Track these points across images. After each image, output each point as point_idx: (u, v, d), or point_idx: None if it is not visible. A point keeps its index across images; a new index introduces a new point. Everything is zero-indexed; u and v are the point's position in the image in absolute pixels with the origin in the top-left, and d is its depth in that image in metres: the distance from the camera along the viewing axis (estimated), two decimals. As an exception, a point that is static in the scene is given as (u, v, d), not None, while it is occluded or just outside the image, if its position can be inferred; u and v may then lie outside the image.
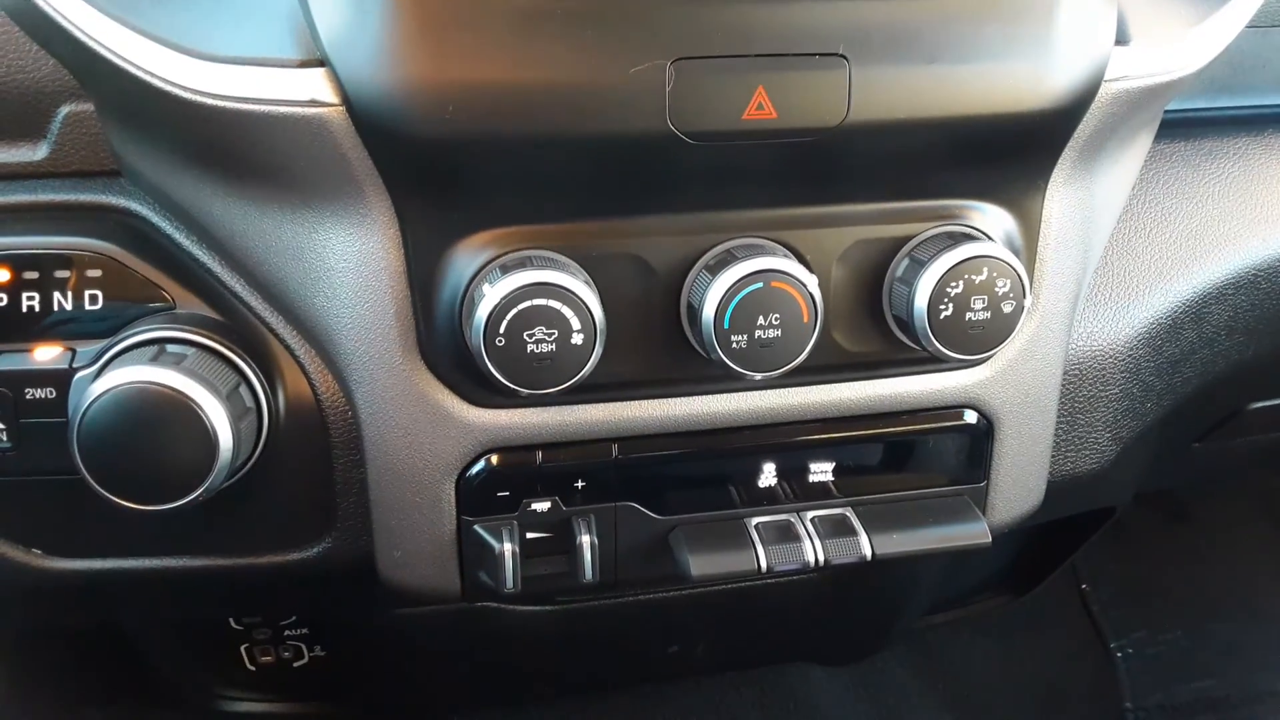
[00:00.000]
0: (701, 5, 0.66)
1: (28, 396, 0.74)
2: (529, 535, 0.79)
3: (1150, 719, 1.69)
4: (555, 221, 0.72)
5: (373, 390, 0.75)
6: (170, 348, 0.73)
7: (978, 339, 0.75)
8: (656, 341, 0.75)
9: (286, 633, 1.33)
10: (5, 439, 0.75)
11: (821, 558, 0.79)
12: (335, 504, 0.81)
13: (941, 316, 0.74)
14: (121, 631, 1.28)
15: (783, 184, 0.74)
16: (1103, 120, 0.77)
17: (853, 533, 0.81)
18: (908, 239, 0.76)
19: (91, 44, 0.65)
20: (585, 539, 0.79)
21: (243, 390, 0.74)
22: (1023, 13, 0.70)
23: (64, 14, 0.65)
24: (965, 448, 0.85)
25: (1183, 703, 1.70)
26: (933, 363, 0.81)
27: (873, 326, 0.78)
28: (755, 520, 0.82)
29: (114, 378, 0.69)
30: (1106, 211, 0.88)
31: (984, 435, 0.85)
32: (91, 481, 0.70)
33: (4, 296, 0.74)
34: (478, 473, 0.77)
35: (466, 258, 0.71)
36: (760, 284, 0.71)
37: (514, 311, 0.67)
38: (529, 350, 0.68)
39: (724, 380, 0.78)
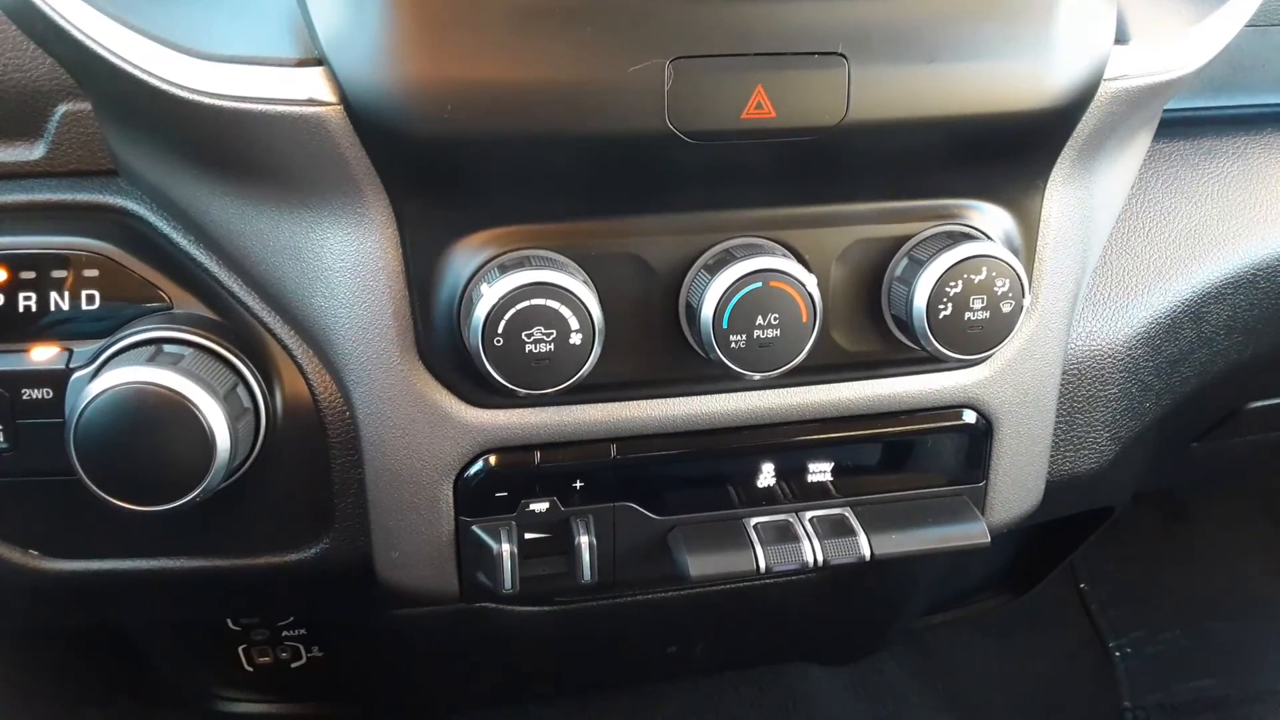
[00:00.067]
0: (700, 4, 0.66)
1: (24, 397, 0.74)
2: (527, 536, 0.79)
3: (1149, 718, 1.69)
4: (554, 221, 0.72)
5: (370, 390, 0.75)
6: (167, 348, 0.72)
7: (977, 339, 0.75)
8: (655, 341, 0.75)
9: (285, 633, 1.33)
10: (2, 439, 0.75)
11: (820, 558, 0.79)
12: (333, 504, 0.81)
13: (940, 316, 0.74)
14: (120, 632, 1.28)
15: (782, 183, 0.74)
16: (1102, 119, 0.77)
17: (851, 533, 0.81)
18: (907, 238, 0.76)
19: (89, 43, 0.65)
20: (584, 539, 0.78)
21: (240, 391, 0.74)
22: (1022, 12, 0.70)
23: (61, 13, 0.65)
24: (964, 447, 0.85)
25: (1182, 702, 1.70)
26: (932, 362, 0.81)
27: (872, 326, 0.78)
28: (754, 520, 0.81)
29: (111, 378, 0.69)
30: (1105, 211, 0.88)
31: (983, 435, 0.85)
32: (88, 482, 0.70)
33: (1, 296, 0.74)
34: (476, 473, 0.77)
35: (465, 257, 0.71)
36: (759, 284, 0.70)
37: (512, 311, 0.67)
38: (527, 350, 0.68)
39: (723, 380, 0.78)
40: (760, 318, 0.71)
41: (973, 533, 0.83)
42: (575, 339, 0.69)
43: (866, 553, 0.80)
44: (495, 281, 0.68)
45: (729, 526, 0.81)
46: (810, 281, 0.72)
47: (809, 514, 0.82)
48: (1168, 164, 0.97)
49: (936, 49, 0.69)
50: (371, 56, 0.64)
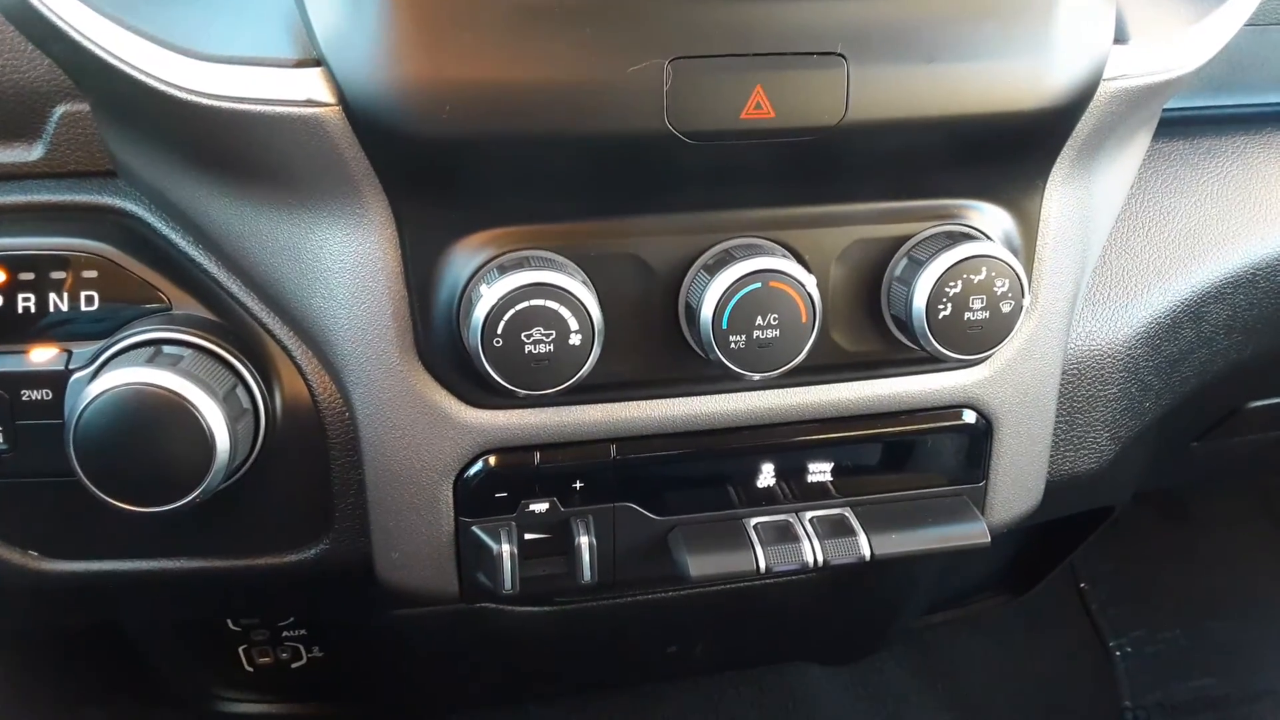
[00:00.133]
0: (699, 4, 0.66)
1: (24, 398, 0.74)
2: (527, 536, 0.79)
3: (1149, 718, 1.69)
4: (553, 221, 0.72)
5: (370, 391, 0.75)
6: (166, 349, 0.72)
7: (976, 339, 0.75)
8: (655, 342, 0.75)
9: (285, 634, 1.33)
10: (1, 440, 0.75)
11: (820, 558, 0.79)
12: (333, 505, 0.81)
13: (940, 316, 0.74)
14: (120, 632, 1.28)
15: (781, 184, 0.74)
16: (1101, 119, 0.77)
17: (851, 533, 0.81)
18: (906, 238, 0.76)
19: (87, 44, 0.65)
20: (583, 540, 0.78)
21: (239, 391, 0.74)
22: (1021, 12, 0.70)
23: (59, 13, 0.65)
24: (964, 447, 0.85)
25: (1182, 701, 1.70)
26: (931, 362, 0.81)
27: (871, 326, 0.78)
28: (754, 520, 0.81)
29: (110, 379, 0.69)
30: (1105, 210, 0.88)
31: (983, 435, 0.85)
32: (88, 483, 0.70)
33: (0, 298, 0.74)
34: (475, 474, 0.77)
35: (464, 258, 0.71)
36: (759, 284, 0.70)
37: (512, 312, 0.67)
38: (527, 351, 0.68)
39: (722, 380, 0.78)
40: (760, 318, 0.71)
41: (973, 533, 0.83)
42: (575, 339, 0.69)
43: (866, 553, 0.80)
44: (494, 282, 0.68)
45: (729, 527, 0.81)
46: (810, 282, 0.72)
47: (809, 514, 0.82)
48: (1167, 163, 0.97)
49: (936, 49, 0.69)
50: (370, 57, 0.64)
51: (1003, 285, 0.74)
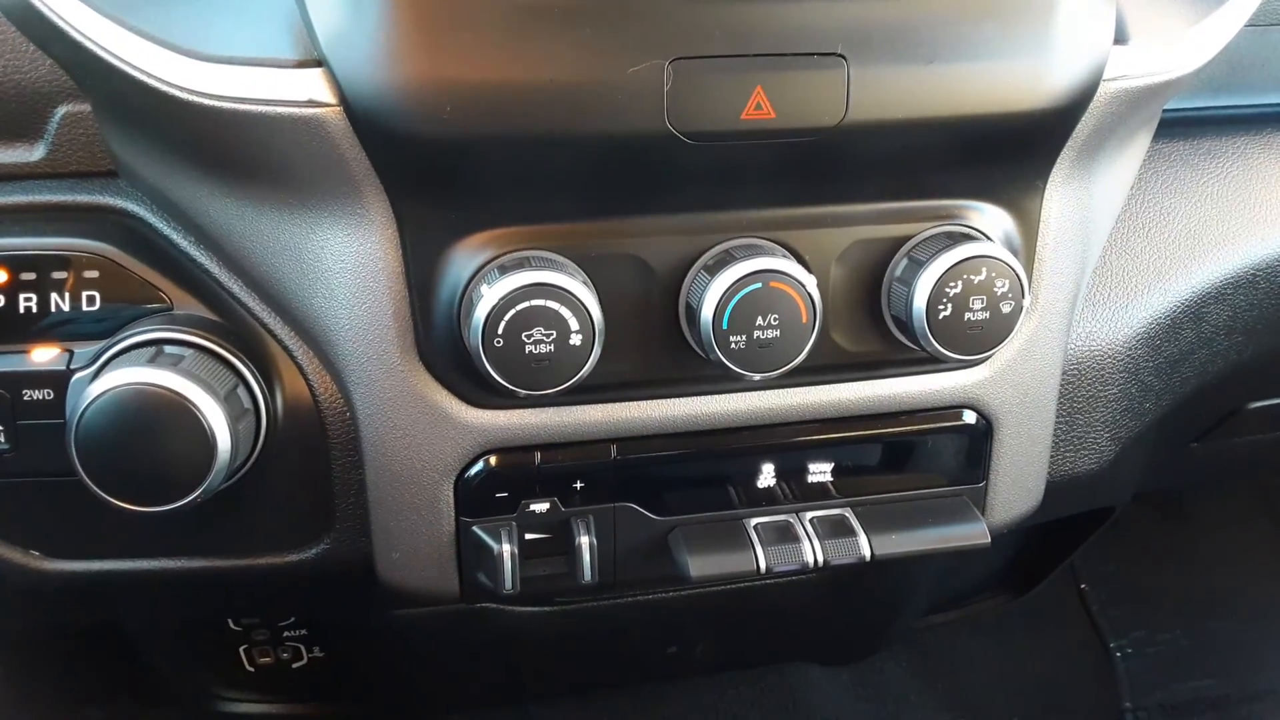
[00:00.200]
0: (700, 5, 0.66)
1: (25, 398, 0.74)
2: (528, 536, 0.79)
3: (1150, 718, 1.69)
4: (553, 222, 0.72)
5: (371, 391, 0.75)
6: (168, 349, 0.72)
7: (976, 339, 0.75)
8: (655, 342, 0.75)
9: (285, 634, 1.33)
10: (3, 440, 0.75)
11: (820, 558, 0.79)
12: (333, 505, 0.81)
13: (940, 316, 0.74)
14: (120, 632, 1.28)
15: (781, 184, 0.74)
16: (1101, 119, 0.77)
17: (852, 533, 0.81)
18: (906, 239, 0.76)
19: (88, 44, 0.65)
20: (584, 540, 0.78)
21: (240, 391, 0.74)
22: (1021, 12, 0.70)
23: (60, 14, 0.65)
24: (964, 448, 0.85)
25: (1182, 702, 1.70)
26: (931, 363, 0.81)
27: (871, 327, 0.78)
28: (754, 521, 0.81)
29: (112, 379, 0.69)
30: (1105, 211, 0.88)
31: (983, 435, 0.85)
32: (89, 483, 0.70)
33: (1, 298, 0.74)
34: (476, 474, 0.77)
35: (465, 258, 0.71)
36: (759, 284, 0.70)
37: (512, 312, 0.67)
38: (527, 351, 0.68)
39: (723, 381, 0.78)
40: (760, 318, 0.71)
41: (973, 533, 0.83)
42: (575, 340, 0.69)
43: (867, 553, 0.80)
44: (495, 282, 0.68)
45: (729, 527, 0.81)
46: (810, 282, 0.72)
47: (809, 514, 0.82)
48: (1167, 164, 0.97)
49: (936, 49, 0.69)
50: (371, 57, 0.64)
51: (1003, 286, 0.74)
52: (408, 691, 1.43)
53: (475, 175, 0.69)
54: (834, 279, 0.76)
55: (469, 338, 0.69)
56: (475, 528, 0.78)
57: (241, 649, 1.34)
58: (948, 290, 0.73)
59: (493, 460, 0.77)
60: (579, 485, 0.79)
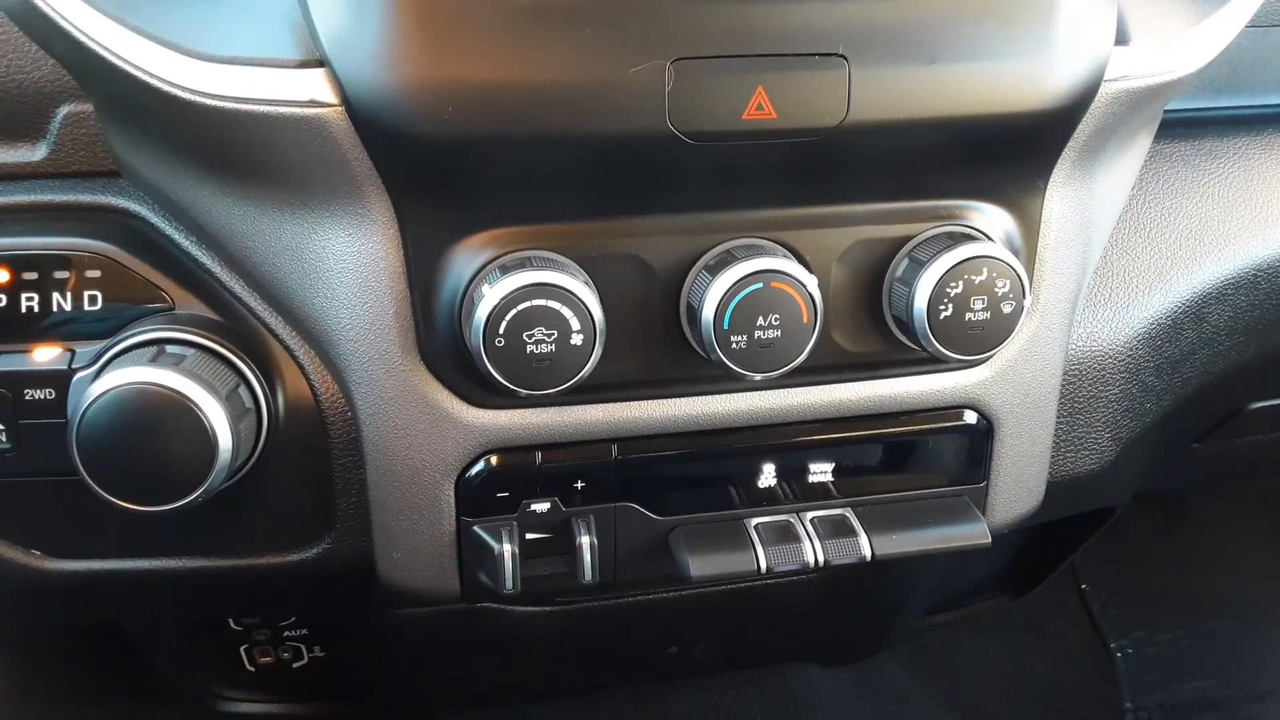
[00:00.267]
0: (701, 5, 0.66)
1: (27, 397, 0.74)
2: (528, 536, 0.79)
3: (1150, 718, 1.69)
4: (555, 222, 0.72)
5: (372, 391, 0.75)
6: (169, 348, 0.72)
7: (977, 339, 0.75)
8: (656, 342, 0.75)
9: (286, 633, 1.33)
10: (4, 440, 0.75)
11: (821, 558, 0.79)
12: (334, 505, 0.81)
13: (941, 317, 0.74)
14: (121, 632, 1.28)
15: (782, 184, 0.74)
16: (1102, 120, 0.77)
17: (852, 533, 0.81)
18: (907, 239, 0.76)
19: (90, 44, 0.65)
20: (585, 540, 0.79)
21: (242, 391, 0.74)
22: (1023, 12, 0.70)
23: (63, 14, 0.65)
24: (965, 448, 0.85)
25: (1182, 702, 1.70)
26: (932, 363, 0.81)
27: (872, 327, 0.78)
28: (755, 521, 0.81)
29: (113, 378, 0.69)
30: (1106, 211, 0.88)
31: (984, 436, 0.85)
32: (91, 482, 0.70)
33: (3, 297, 0.74)
34: (477, 473, 0.77)
35: (466, 258, 0.71)
36: (760, 284, 0.70)
37: (513, 312, 0.67)
38: (528, 351, 0.68)
39: (724, 381, 0.78)
40: (761, 318, 0.71)
41: (973, 533, 0.83)
42: (576, 339, 0.69)
43: (867, 553, 0.80)
44: (496, 282, 0.68)
45: (730, 527, 0.81)
46: (811, 282, 0.72)
47: (810, 514, 0.82)
48: (1169, 165, 0.97)
49: (937, 50, 0.69)
50: (373, 58, 0.64)
51: (1004, 286, 0.74)
52: (408, 691, 1.43)
53: (477, 175, 0.69)
54: (835, 279, 0.76)
55: (470, 337, 0.69)
56: (476, 527, 0.78)
57: (242, 649, 1.34)
58: (949, 290, 0.73)
59: (494, 460, 0.77)
60: (580, 485, 0.79)
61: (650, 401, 0.78)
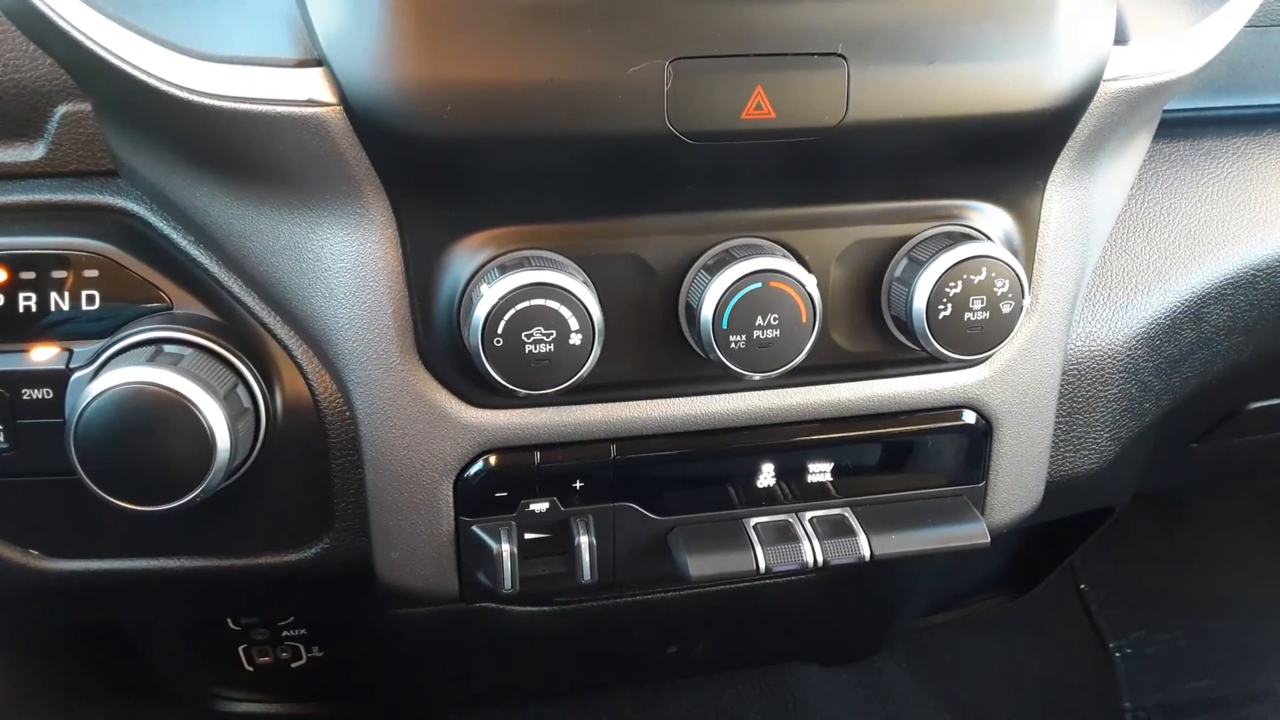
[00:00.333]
0: (700, 4, 0.66)
1: (24, 397, 0.74)
2: (527, 536, 0.79)
3: (1149, 718, 1.69)
4: (554, 221, 0.72)
5: (370, 390, 0.75)
6: (167, 348, 0.72)
7: (976, 339, 0.75)
8: (655, 342, 0.75)
9: (285, 633, 1.33)
10: (2, 439, 0.75)
11: (820, 558, 0.79)
12: (333, 504, 0.81)
13: (940, 316, 0.74)
14: (120, 632, 1.28)
15: (781, 184, 0.74)
16: (1102, 120, 0.77)
17: (851, 533, 0.81)
18: (906, 239, 0.76)
19: (89, 44, 0.65)
20: (583, 539, 0.78)
21: (240, 391, 0.74)
22: (1022, 12, 0.70)
23: (61, 13, 0.65)
24: (964, 448, 0.85)
25: (1181, 702, 1.70)
26: (931, 363, 0.81)
27: (871, 327, 0.78)
28: (754, 521, 0.81)
29: (111, 378, 0.69)
30: (1105, 211, 0.88)
31: (983, 435, 0.85)
32: (88, 482, 0.70)
33: (1, 297, 0.74)
34: (476, 473, 0.77)
35: (464, 258, 0.71)
36: (759, 284, 0.70)
37: (512, 311, 0.67)
38: (527, 350, 0.68)
39: (722, 380, 0.78)
40: (760, 318, 0.71)
41: (972, 533, 0.83)
42: (575, 339, 0.69)
43: (866, 553, 0.80)
44: (495, 282, 0.68)
45: (729, 527, 0.81)
46: (810, 282, 0.72)
47: (809, 514, 0.82)
48: (1168, 164, 0.97)
49: (936, 50, 0.69)
50: (371, 57, 0.64)
51: (1003, 286, 0.74)
52: (407, 691, 1.43)
53: (475, 175, 0.69)
54: (834, 279, 0.76)
55: (469, 337, 0.69)
56: (475, 527, 0.78)
57: (240, 648, 1.34)
58: (948, 290, 0.73)
59: (492, 460, 0.77)
60: (578, 485, 0.79)
61: (649, 401, 0.78)
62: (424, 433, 0.76)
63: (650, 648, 1.39)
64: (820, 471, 0.83)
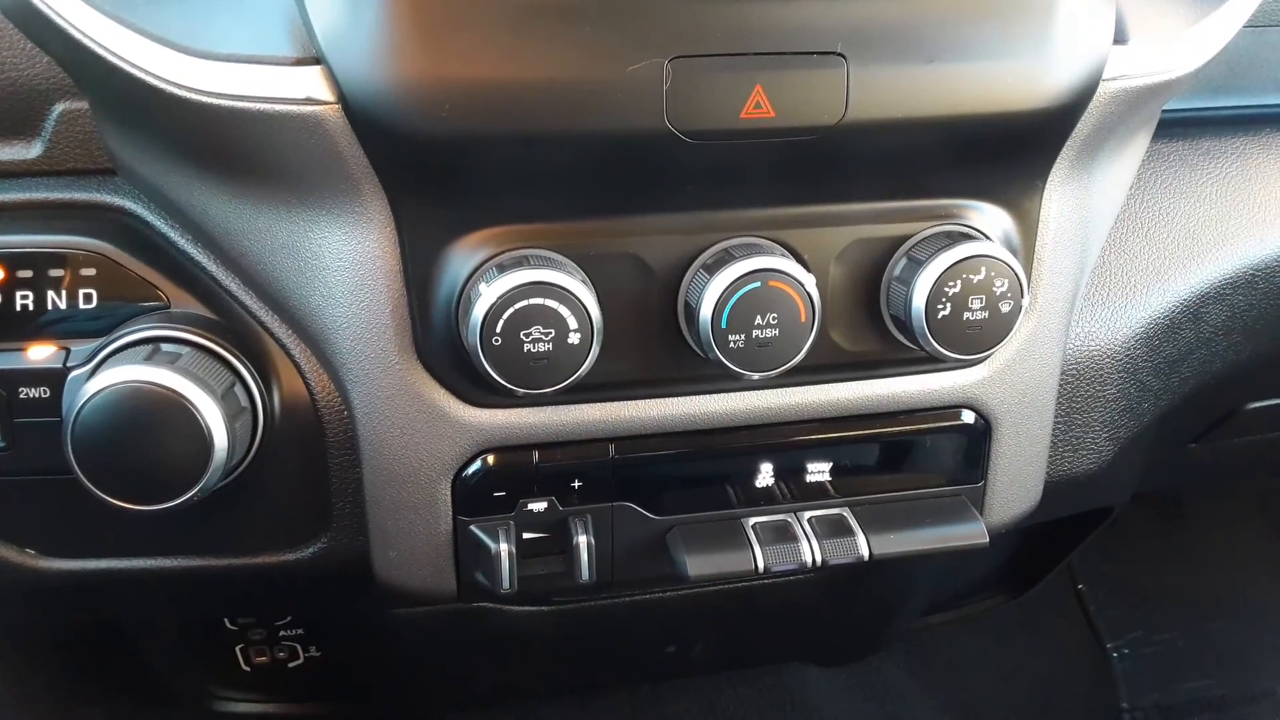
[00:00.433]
0: (699, 3, 0.66)
1: (21, 396, 0.74)
2: (525, 535, 0.79)
3: (1147, 719, 1.69)
4: (552, 220, 0.72)
5: (368, 389, 0.75)
6: (165, 347, 0.72)
7: (975, 339, 0.75)
8: (654, 341, 0.75)
9: (282, 633, 1.33)
10: (-1, 438, 0.75)
11: (819, 558, 0.79)
12: (330, 504, 0.81)
13: (939, 316, 0.74)
14: (118, 632, 1.28)
15: (780, 183, 0.74)
16: (1101, 119, 0.77)
17: (850, 533, 0.81)
18: (906, 238, 0.76)
19: (86, 42, 0.65)
20: (582, 539, 0.78)
21: (238, 389, 0.74)
22: (1021, 12, 0.70)
23: (59, 11, 0.65)
24: (963, 448, 0.85)
25: (1179, 703, 1.70)
26: (930, 362, 0.81)
27: (870, 326, 0.78)
28: (752, 520, 0.81)
29: (108, 377, 0.69)
30: (1104, 211, 0.88)
31: (981, 435, 0.85)
32: (85, 481, 0.70)
33: (-2, 295, 0.74)
34: (474, 473, 0.77)
35: (463, 256, 0.71)
36: (758, 283, 0.70)
37: (511, 310, 0.67)
38: (525, 349, 0.68)
39: (721, 380, 0.78)
40: (759, 317, 0.71)
41: (971, 533, 0.83)
42: (574, 338, 0.69)
43: (865, 553, 0.80)
44: (493, 281, 0.68)
45: (727, 526, 0.81)
46: (809, 281, 0.72)
47: (807, 514, 0.82)
48: (1166, 165, 0.97)
49: (936, 49, 0.69)
50: (369, 55, 0.64)
51: (1002, 285, 0.74)
52: (405, 691, 1.43)
53: (474, 174, 0.69)
54: (833, 278, 0.76)
55: (467, 336, 0.69)
56: (473, 527, 0.78)
57: (238, 648, 1.34)
58: (947, 290, 0.73)
59: (490, 459, 0.77)
60: (577, 484, 0.78)
61: (648, 401, 0.78)
62: (422, 432, 0.76)
63: (649, 648, 1.38)
64: (819, 471, 0.83)
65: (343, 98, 0.65)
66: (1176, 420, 1.05)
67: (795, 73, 0.67)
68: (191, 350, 0.73)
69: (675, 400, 0.78)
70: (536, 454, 0.77)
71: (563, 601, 1.15)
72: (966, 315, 0.74)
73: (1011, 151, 0.76)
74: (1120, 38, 0.75)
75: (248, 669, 1.36)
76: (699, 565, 0.78)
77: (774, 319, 0.71)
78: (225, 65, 0.65)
